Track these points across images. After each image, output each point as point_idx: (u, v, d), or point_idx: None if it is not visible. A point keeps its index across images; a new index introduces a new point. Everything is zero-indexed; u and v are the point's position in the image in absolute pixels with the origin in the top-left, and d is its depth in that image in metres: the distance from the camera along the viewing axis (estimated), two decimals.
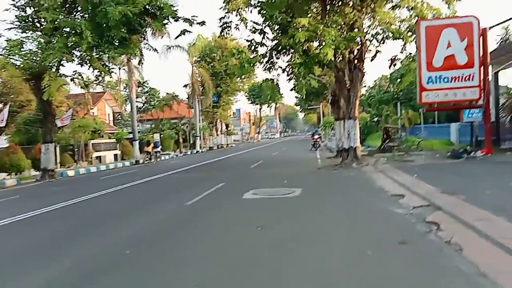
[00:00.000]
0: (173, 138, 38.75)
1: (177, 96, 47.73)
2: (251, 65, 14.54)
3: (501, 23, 15.18)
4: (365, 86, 59.18)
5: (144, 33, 17.63)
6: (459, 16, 14.38)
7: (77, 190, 12.42)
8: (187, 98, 45.96)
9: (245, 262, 4.39)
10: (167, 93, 48.07)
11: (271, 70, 17.11)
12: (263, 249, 4.79)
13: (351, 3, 15.26)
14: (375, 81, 59.89)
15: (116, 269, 4.48)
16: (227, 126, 65.81)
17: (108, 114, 46.64)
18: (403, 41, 16.36)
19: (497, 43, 22.28)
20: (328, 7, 15.47)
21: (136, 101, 49.17)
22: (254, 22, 14.22)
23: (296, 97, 60.52)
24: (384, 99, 39.76)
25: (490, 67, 14.19)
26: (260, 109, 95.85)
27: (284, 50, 16.34)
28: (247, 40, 14.41)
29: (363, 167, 13.69)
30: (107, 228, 6.68)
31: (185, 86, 44.12)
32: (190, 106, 45.71)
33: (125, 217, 7.62)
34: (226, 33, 15.28)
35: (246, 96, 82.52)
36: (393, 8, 16.13)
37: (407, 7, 16.18)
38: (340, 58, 15.76)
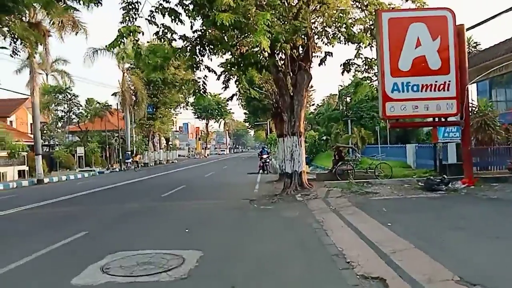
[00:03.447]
0: (95, 153, 33.13)
1: (110, 106, 42.09)
2: (159, 56, 10.31)
3: (478, 24, 12.30)
4: (313, 104, 57.40)
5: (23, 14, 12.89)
6: (430, 8, 11.35)
7: None
8: (119, 108, 40.44)
9: None
10: (98, 103, 42.38)
11: (194, 70, 13.19)
12: None
13: None
14: (323, 99, 58.21)
15: None
16: (167, 140, 60.49)
17: (30, 124, 40.06)
18: (358, 43, 13.19)
19: None
20: None
21: (57, 110, 43.10)
22: None
23: (245, 113, 57.29)
24: (333, 116, 37.36)
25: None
26: (207, 124, 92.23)
27: (211, 46, 12.54)
28: (150, 21, 9.98)
29: (310, 201, 9.91)
30: None
31: (114, 94, 38.75)
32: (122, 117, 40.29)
33: None
34: (132, 18, 10.76)
35: (191, 110, 78.53)
36: None
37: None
38: (281, 56, 12.20)
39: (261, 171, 22.35)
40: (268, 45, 9.74)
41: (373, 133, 25.45)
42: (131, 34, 8.99)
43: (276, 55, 12.33)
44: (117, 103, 39.38)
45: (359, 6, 13.05)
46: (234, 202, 10.73)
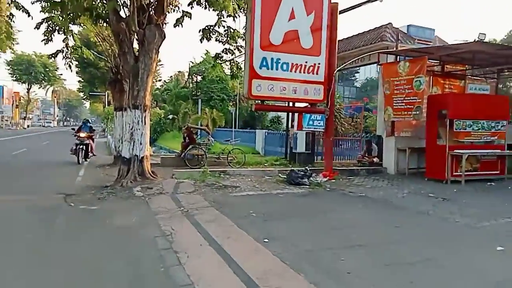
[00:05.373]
0: None
1: None
2: None
3: (352, 8, 11.66)
4: (160, 80, 53.45)
5: None
6: None
7: None
8: None
9: None
10: None
11: None
12: None
13: None
14: (171, 76, 54.73)
15: None
16: None
17: None
18: (220, 10, 11.24)
19: None
20: None
21: None
22: None
23: (79, 81, 49.34)
24: (182, 94, 34.99)
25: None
26: (29, 89, 77.48)
27: None
28: None
29: (153, 198, 7.42)
30: None
31: None
32: None
33: None
34: None
35: (7, 70, 64.59)
36: None
37: None
38: (125, 1, 9.27)
39: (77, 156, 13.66)
40: None
41: (224, 115, 24.18)
42: None
43: None
44: None
45: None
46: (42, 198, 7.36)
